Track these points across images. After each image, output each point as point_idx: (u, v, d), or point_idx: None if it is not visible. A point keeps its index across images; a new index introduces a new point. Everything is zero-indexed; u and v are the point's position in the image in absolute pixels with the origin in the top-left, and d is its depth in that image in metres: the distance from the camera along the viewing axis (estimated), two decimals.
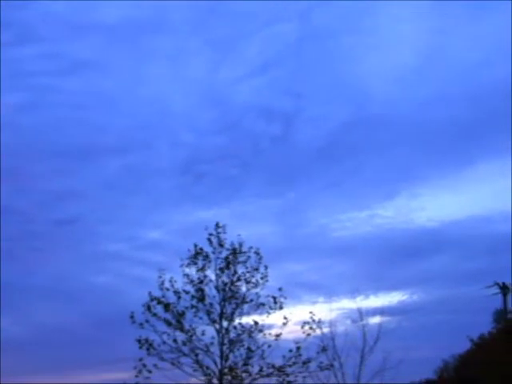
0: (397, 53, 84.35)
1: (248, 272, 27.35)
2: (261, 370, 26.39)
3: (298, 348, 26.68)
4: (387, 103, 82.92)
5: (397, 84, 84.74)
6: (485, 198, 77.33)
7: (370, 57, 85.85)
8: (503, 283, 54.10)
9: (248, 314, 27.16)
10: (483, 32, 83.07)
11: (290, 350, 26.61)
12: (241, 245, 27.52)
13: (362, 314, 31.11)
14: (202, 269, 27.20)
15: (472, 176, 78.54)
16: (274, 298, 27.11)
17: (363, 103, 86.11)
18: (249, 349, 26.57)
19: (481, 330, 54.91)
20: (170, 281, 27.27)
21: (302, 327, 27.36)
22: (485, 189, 77.49)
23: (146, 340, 26.36)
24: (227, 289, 27.07)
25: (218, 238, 27.50)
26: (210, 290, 27.08)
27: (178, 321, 26.66)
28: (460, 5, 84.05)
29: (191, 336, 26.58)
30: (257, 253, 27.55)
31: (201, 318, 26.89)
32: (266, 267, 27.54)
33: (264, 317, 27.15)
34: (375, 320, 31.49)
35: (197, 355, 26.49)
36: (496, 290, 54.21)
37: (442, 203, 78.61)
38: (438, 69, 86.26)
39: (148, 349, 26.29)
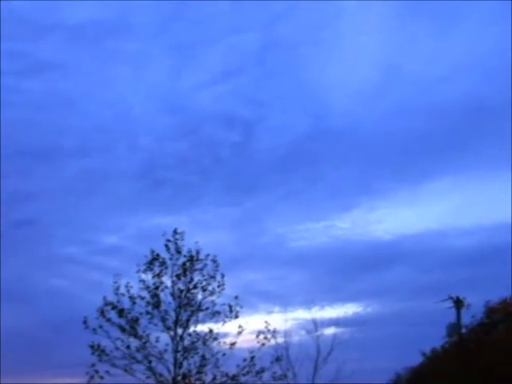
0: (358, 66, 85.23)
1: (204, 280, 27.23)
2: (214, 379, 26.27)
3: (252, 357, 26.63)
4: (347, 115, 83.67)
5: (357, 97, 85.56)
6: (440, 212, 78.22)
7: (331, 69, 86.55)
8: (457, 297, 54.62)
9: (203, 321, 27.06)
10: (444, 48, 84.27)
11: (244, 359, 26.54)
12: (198, 252, 27.39)
13: (316, 324, 31.26)
14: (159, 275, 27.00)
15: (428, 190, 79.56)
16: (230, 306, 27.04)
17: (323, 114, 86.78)
18: (203, 357, 26.43)
19: (434, 344, 55.46)
20: (126, 286, 27.03)
21: (257, 336, 27.32)
22: (440, 204, 78.46)
23: (99, 346, 26.07)
24: (183, 296, 26.91)
25: (176, 244, 27.33)
26: (166, 297, 26.93)
27: (131, 327, 26.41)
28: (422, 21, 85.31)
29: (145, 343, 26.36)
30: (214, 260, 27.45)
31: (155, 325, 26.69)
32: (222, 275, 27.47)
33: (219, 325, 27.07)
34: (330, 331, 31.63)
35: (150, 362, 26.28)
36: (450, 304, 54.70)
37: (398, 216, 79.48)
38: (399, 83, 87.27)
39: (100, 355, 26.00)
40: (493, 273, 63.22)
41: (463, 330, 53.86)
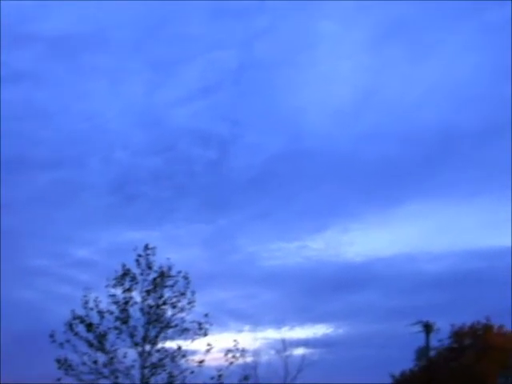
0: (334, 88, 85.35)
1: (175, 296, 27.09)
2: None
3: (220, 376, 26.50)
4: (322, 137, 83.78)
5: (332, 119, 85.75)
6: (411, 236, 78.44)
7: (307, 90, 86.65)
8: (426, 321, 54.82)
9: (172, 338, 26.89)
10: (419, 75, 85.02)
11: (212, 378, 26.41)
12: (169, 268, 27.25)
13: (285, 344, 31.22)
14: (129, 290, 26.83)
15: (400, 215, 79.67)
16: (199, 323, 26.91)
17: (298, 135, 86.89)
18: (170, 374, 26.25)
19: (403, 367, 55.45)
20: (95, 300, 26.81)
21: (226, 355, 27.20)
22: (412, 228, 78.70)
23: (66, 360, 25.80)
24: (152, 312, 26.73)
25: (147, 259, 27.18)
26: (135, 312, 26.73)
27: (99, 342, 26.18)
28: (398, 47, 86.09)
29: (112, 358, 26.12)
30: (185, 277, 27.31)
31: (123, 340, 26.48)
32: (193, 292, 27.34)
33: (188, 342, 26.93)
34: (299, 351, 31.60)
35: (117, 378, 26.04)
36: (419, 328, 54.88)
37: (370, 239, 79.26)
38: (373, 108, 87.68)
39: (67, 369, 25.73)
40: (462, 298, 63.43)
41: (432, 354, 54.05)
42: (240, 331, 32.58)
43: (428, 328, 54.35)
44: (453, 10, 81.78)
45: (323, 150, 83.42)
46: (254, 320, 32.55)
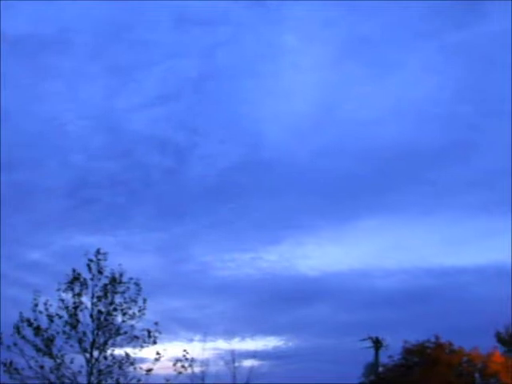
0: (294, 102, 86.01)
1: (125, 303, 26.85)
2: None
3: None
4: (280, 150, 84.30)
5: (291, 132, 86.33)
6: (365, 252, 79.14)
7: (267, 102, 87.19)
8: (376, 337, 55.28)
9: (121, 345, 26.64)
10: (378, 93, 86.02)
11: None
12: (121, 274, 27.02)
13: (235, 355, 31.12)
14: (79, 295, 26.52)
15: (355, 230, 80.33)
16: (149, 331, 26.71)
17: (257, 147, 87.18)
18: (117, 381, 26.01)
19: (352, 382, 55.66)
20: (45, 304, 26.45)
21: (174, 364, 27.04)
22: (365, 244, 79.38)
23: (11, 363, 25.40)
24: (102, 318, 26.46)
25: (98, 265, 26.91)
26: (85, 318, 26.43)
27: (46, 346, 25.82)
28: (359, 64, 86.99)
29: (59, 363, 25.77)
30: (136, 284, 27.10)
31: (71, 346, 26.14)
32: (144, 300, 27.14)
33: (137, 350, 26.70)
34: (248, 363, 31.53)
35: (63, 383, 25.71)
36: (369, 343, 55.34)
37: (325, 253, 79.80)
38: (332, 122, 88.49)
39: (12, 373, 25.32)
40: (412, 314, 64.14)
41: (381, 370, 54.42)
42: (190, 341, 32.36)
43: (378, 344, 54.87)
44: (414, 31, 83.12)
45: (281, 162, 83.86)
46: (205, 330, 32.33)
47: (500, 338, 51.35)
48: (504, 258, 69.90)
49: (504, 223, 72.13)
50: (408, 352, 52.56)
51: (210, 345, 32.00)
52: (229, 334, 32.81)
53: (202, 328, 35.57)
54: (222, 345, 34.52)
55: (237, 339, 34.04)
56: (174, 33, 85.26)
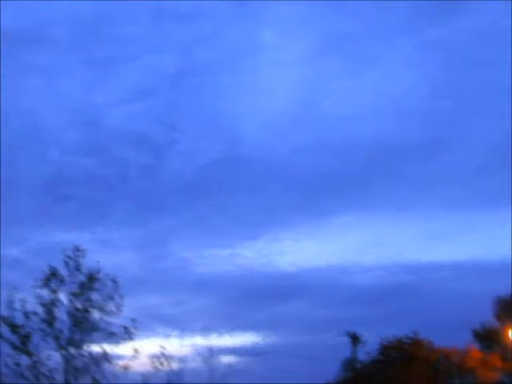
0: (273, 97, 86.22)
1: (102, 300, 26.74)
2: None
3: (145, 382, 26.28)
4: (259, 146, 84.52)
5: (270, 128, 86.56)
6: (343, 248, 79.54)
7: (246, 98, 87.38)
8: (354, 333, 55.42)
9: (98, 342, 26.52)
10: (357, 88, 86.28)
11: (137, 383, 26.16)
12: (98, 271, 26.89)
13: (213, 351, 31.06)
14: (55, 291, 26.35)
15: (333, 226, 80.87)
16: (126, 328, 26.61)
17: (235, 143, 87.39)
18: (94, 378, 25.89)
19: (330, 378, 55.78)
20: (21, 300, 26.26)
21: (152, 361, 26.98)
22: (344, 240, 79.74)
23: None
24: (79, 315, 26.33)
25: (76, 261, 26.76)
26: (61, 315, 26.27)
27: (23, 343, 25.63)
28: (339, 59, 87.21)
29: (36, 361, 25.59)
30: (114, 281, 26.98)
31: (48, 343, 25.98)
32: (121, 296, 27.03)
33: (114, 347, 26.60)
34: (227, 359, 31.49)
35: (39, 381, 25.53)
36: (347, 339, 55.46)
37: (302, 249, 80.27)
38: (311, 118, 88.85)
39: None
40: (390, 311, 64.50)
41: (358, 366, 54.59)
42: (168, 337, 32.23)
43: (355, 340, 55.02)
44: (393, 27, 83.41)
45: (260, 158, 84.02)
46: (183, 326, 32.24)
47: (476, 334, 51.71)
48: (480, 254, 70.73)
49: (480, 219, 72.84)
50: (385, 348, 52.79)
51: (187, 341, 31.94)
52: (207, 330, 32.75)
53: (179, 324, 35.55)
54: (200, 341, 34.44)
55: (215, 335, 33.99)
56: (153, 28, 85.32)
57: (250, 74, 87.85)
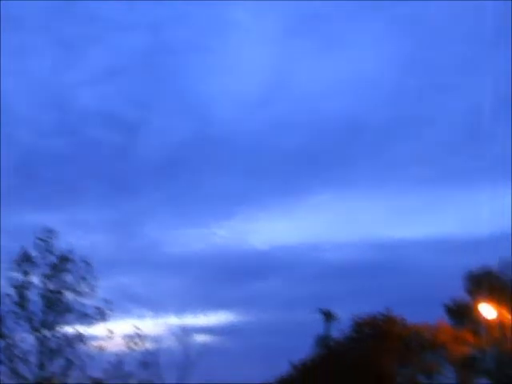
0: (244, 76, 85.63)
1: (75, 281, 26.67)
2: (79, 382, 25.76)
3: (120, 362, 26.32)
4: (231, 125, 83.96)
5: (242, 107, 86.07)
6: (316, 226, 79.58)
7: (217, 77, 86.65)
8: (327, 310, 55.71)
9: (72, 323, 26.49)
10: (329, 66, 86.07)
11: (111, 363, 26.19)
12: (71, 252, 26.79)
13: (187, 331, 31.17)
14: (27, 273, 26.22)
15: (306, 204, 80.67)
16: (99, 309, 26.59)
17: (207, 122, 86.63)
18: (69, 360, 25.88)
19: (303, 355, 56.13)
20: None
21: (126, 341, 27.01)
22: (317, 217, 79.82)
23: None
24: (52, 296, 26.25)
25: (48, 243, 26.63)
26: (34, 297, 26.18)
27: None
28: (309, 37, 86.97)
29: (9, 343, 25.52)
30: (86, 262, 26.90)
31: (21, 325, 25.91)
32: (94, 277, 26.98)
33: (88, 328, 26.59)
34: (201, 338, 31.61)
35: (14, 363, 25.47)
36: (320, 316, 55.76)
37: (276, 228, 79.88)
38: (282, 97, 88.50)
39: None
40: (363, 287, 64.85)
41: (331, 343, 54.98)
42: (142, 317, 32.31)
43: (328, 317, 55.33)
44: (363, 3, 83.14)
45: (232, 137, 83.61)
46: (157, 306, 32.33)
47: (448, 310, 52.23)
48: (449, 229, 71.29)
49: (450, 195, 73.53)
50: (359, 325, 53.17)
51: (162, 321, 32.04)
52: (181, 309, 32.83)
53: (154, 304, 35.59)
54: (175, 321, 34.51)
55: (189, 315, 34.06)
56: (122, 6, 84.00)
57: (220, 52, 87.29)
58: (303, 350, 55.29)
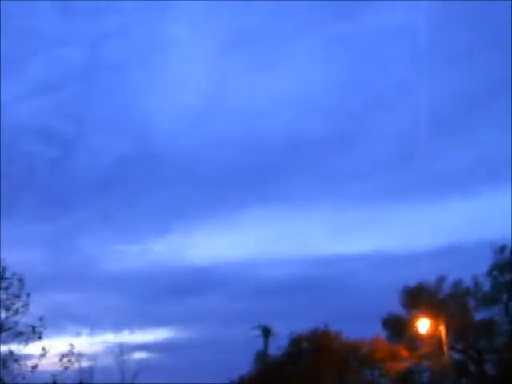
0: (182, 93, 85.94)
1: (8, 299, 26.03)
2: None
3: (55, 381, 25.77)
4: (169, 142, 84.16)
5: (179, 123, 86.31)
6: (254, 242, 79.98)
7: (156, 94, 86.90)
8: (265, 326, 55.77)
9: (5, 342, 25.85)
10: (265, 84, 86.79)
11: (46, 383, 25.63)
12: (4, 270, 26.18)
13: (124, 348, 30.80)
14: None
15: (243, 220, 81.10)
16: (33, 327, 25.99)
17: (146, 138, 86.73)
18: (1, 380, 25.23)
19: (242, 371, 56.05)
20: None
21: (61, 359, 26.47)
22: (254, 233, 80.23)
23: None
24: None
25: None
26: None
27: None
28: (246, 55, 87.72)
29: None
30: (19, 279, 26.30)
31: None
32: (28, 295, 26.37)
33: (22, 346, 25.96)
34: (139, 355, 31.24)
35: None
36: (258, 332, 55.78)
37: (214, 244, 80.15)
38: (220, 114, 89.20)
39: None
40: (301, 303, 65.18)
41: (270, 359, 54.98)
42: (78, 335, 31.72)
43: (267, 332, 55.40)
44: (300, 23, 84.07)
45: (170, 154, 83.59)
46: (94, 324, 31.84)
47: (385, 324, 52.69)
48: (386, 245, 72.28)
49: (386, 211, 74.48)
50: (296, 340, 53.29)
51: (98, 339, 31.58)
52: (118, 327, 32.40)
53: (90, 322, 35.09)
54: (111, 338, 34.10)
55: (126, 332, 33.63)
56: (59, 22, 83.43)
57: (159, 69, 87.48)
58: (242, 365, 55.24)
